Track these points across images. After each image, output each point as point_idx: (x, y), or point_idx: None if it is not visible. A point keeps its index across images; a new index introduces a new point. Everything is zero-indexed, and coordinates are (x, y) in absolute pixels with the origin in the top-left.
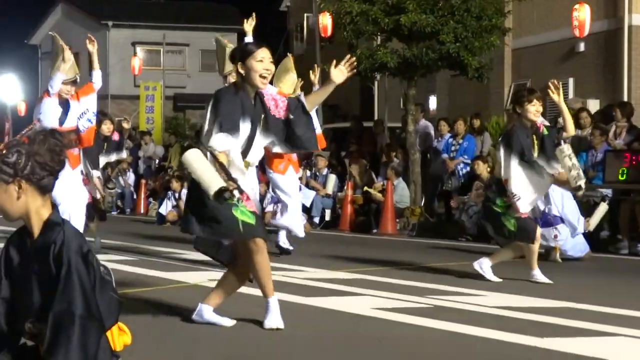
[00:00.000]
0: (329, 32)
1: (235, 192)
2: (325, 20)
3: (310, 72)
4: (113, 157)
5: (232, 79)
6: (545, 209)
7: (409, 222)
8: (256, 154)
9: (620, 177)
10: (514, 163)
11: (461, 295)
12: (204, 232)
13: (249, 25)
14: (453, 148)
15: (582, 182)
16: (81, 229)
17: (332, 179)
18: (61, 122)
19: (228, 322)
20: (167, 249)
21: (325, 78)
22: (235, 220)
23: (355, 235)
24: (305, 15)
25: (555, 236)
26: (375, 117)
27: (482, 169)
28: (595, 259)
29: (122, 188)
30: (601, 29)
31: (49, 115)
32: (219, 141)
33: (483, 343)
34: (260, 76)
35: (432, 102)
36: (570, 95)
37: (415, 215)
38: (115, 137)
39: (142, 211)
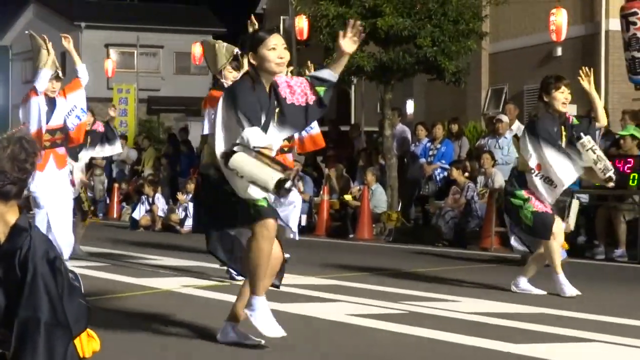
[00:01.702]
0: (305, 35)
1: (293, 177)
2: (302, 23)
3: (287, 74)
4: (106, 151)
5: (227, 72)
6: None
7: (386, 227)
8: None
9: (596, 183)
10: (545, 149)
11: (437, 301)
12: (215, 226)
13: (251, 29)
14: (431, 153)
15: (611, 173)
16: (69, 232)
17: (308, 181)
18: (47, 120)
19: (256, 341)
20: (139, 255)
21: None
22: (246, 204)
23: (331, 241)
24: (281, 18)
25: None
26: (352, 121)
27: (456, 175)
28: (572, 265)
29: (93, 193)
30: (578, 33)
31: (37, 114)
32: (257, 136)
33: (458, 349)
34: (275, 64)
35: (409, 107)
36: None
37: (392, 220)
38: (100, 128)
39: (115, 216)
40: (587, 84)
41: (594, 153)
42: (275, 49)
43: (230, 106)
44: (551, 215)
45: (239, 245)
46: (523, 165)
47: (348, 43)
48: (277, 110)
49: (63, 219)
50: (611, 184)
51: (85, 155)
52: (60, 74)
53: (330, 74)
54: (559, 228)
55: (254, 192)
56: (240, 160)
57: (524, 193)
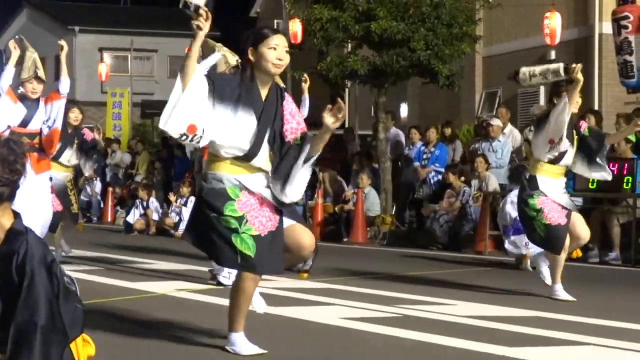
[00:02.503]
0: (299, 39)
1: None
2: (295, 27)
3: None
4: (90, 164)
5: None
6: (516, 217)
7: (380, 230)
8: (263, 160)
9: (590, 186)
10: (555, 121)
11: (431, 304)
12: (203, 249)
13: None
14: (425, 156)
15: (561, 65)
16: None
17: None
18: (27, 123)
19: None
20: (134, 258)
21: (295, 85)
22: (233, 250)
23: (326, 244)
24: (275, 21)
25: (527, 243)
26: (346, 125)
27: (453, 179)
28: (566, 268)
29: (88, 196)
30: (572, 36)
31: (2, 115)
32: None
33: (452, 352)
34: (272, 65)
35: (403, 110)
36: (541, 102)
37: (386, 223)
38: (89, 135)
39: (109, 220)
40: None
41: (536, 76)
42: (276, 49)
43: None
44: (564, 228)
45: None
46: (534, 168)
47: (331, 120)
48: (272, 120)
49: (36, 224)
50: (575, 72)
51: (71, 159)
52: (41, 75)
53: (307, 151)
54: (581, 224)
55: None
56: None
57: (536, 203)
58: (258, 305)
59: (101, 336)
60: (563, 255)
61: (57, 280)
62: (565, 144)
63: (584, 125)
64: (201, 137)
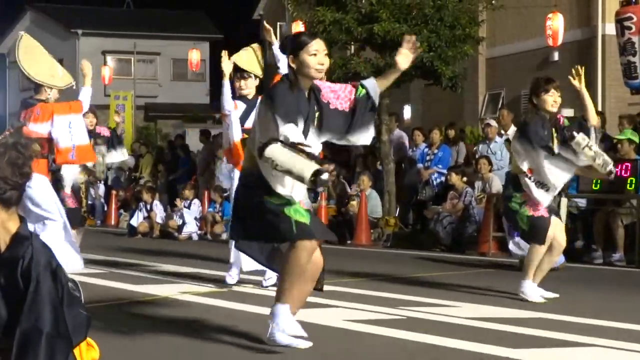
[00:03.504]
0: None
1: (330, 168)
2: (298, 29)
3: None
4: (113, 157)
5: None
6: None
7: (384, 232)
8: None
9: (594, 187)
10: (536, 152)
11: (435, 306)
12: (254, 237)
13: (269, 36)
14: (428, 158)
15: (611, 167)
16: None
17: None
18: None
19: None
20: (137, 262)
21: None
22: (288, 221)
23: (329, 246)
24: (278, 24)
25: None
26: None
27: (456, 180)
28: (570, 269)
29: (92, 199)
30: (575, 38)
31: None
32: (295, 133)
33: (456, 354)
34: (315, 70)
35: (407, 112)
36: None
37: (389, 225)
38: (105, 132)
39: (112, 223)
40: (578, 82)
41: (590, 150)
42: (317, 55)
43: (268, 107)
44: (547, 220)
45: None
46: (516, 168)
47: (404, 59)
48: (317, 114)
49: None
50: (612, 177)
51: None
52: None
53: (374, 86)
54: (560, 229)
55: (289, 188)
56: (277, 150)
57: (520, 196)
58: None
59: (105, 340)
60: (543, 250)
61: (62, 285)
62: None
63: (562, 119)
64: None
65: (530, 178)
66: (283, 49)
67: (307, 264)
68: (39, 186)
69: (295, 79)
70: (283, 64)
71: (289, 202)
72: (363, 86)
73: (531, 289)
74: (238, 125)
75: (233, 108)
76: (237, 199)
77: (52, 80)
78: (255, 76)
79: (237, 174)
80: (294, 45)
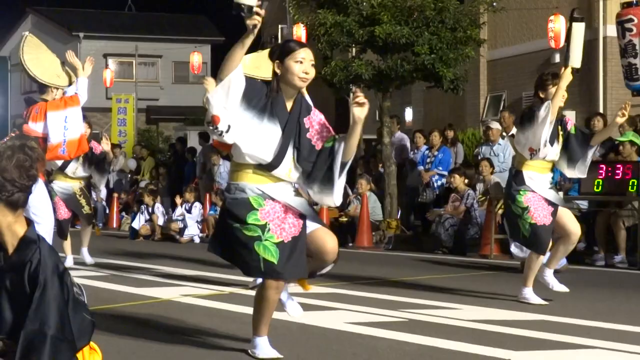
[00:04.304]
0: None
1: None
2: (299, 32)
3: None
4: (103, 179)
5: None
6: None
7: (385, 235)
8: (285, 171)
9: (595, 189)
10: (538, 125)
11: (437, 308)
12: (228, 260)
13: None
14: (428, 160)
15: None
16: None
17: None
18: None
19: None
20: (139, 264)
21: None
22: (257, 259)
23: None
24: (279, 26)
25: None
26: None
27: (459, 182)
28: (572, 271)
29: (94, 202)
30: None
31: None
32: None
33: (458, 357)
34: (299, 78)
35: (408, 114)
36: None
37: (391, 228)
38: (97, 149)
39: (114, 225)
40: (621, 119)
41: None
42: (302, 63)
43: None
44: (549, 229)
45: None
46: (519, 163)
47: (357, 109)
48: (297, 132)
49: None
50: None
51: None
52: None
53: (342, 145)
54: (569, 218)
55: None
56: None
57: (523, 201)
58: (293, 310)
59: (107, 342)
60: (542, 259)
61: (68, 290)
62: (544, 151)
63: (570, 123)
64: (224, 132)
65: (532, 158)
66: (272, 54)
67: (276, 297)
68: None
69: (277, 85)
70: None
71: (260, 235)
72: (335, 139)
73: (531, 294)
74: None
75: None
76: (220, 215)
77: (57, 81)
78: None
79: None
80: (281, 51)
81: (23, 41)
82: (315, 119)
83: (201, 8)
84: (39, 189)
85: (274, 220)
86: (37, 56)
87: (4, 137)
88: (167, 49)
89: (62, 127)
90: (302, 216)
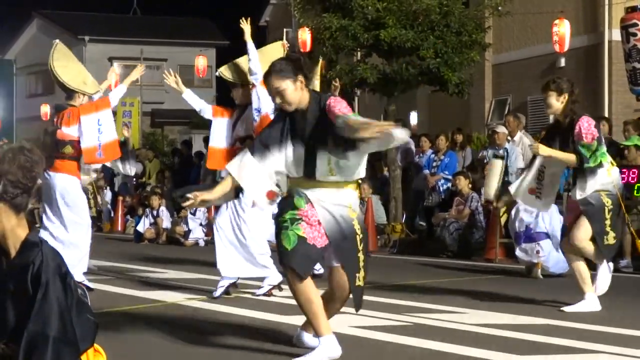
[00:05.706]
0: (308, 48)
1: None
2: (305, 36)
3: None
4: (126, 171)
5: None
6: (528, 224)
7: (390, 238)
8: (325, 173)
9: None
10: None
11: (442, 312)
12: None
13: (247, 33)
14: (434, 164)
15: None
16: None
17: None
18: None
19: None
20: (144, 268)
21: None
22: (280, 242)
23: None
24: (284, 30)
25: (538, 252)
26: None
27: (464, 185)
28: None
29: (99, 206)
30: (581, 44)
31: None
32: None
33: None
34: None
35: (413, 118)
36: None
37: (396, 232)
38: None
39: (119, 229)
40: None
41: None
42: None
43: None
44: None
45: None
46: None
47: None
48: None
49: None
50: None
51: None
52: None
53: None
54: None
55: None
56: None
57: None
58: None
59: (112, 345)
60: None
61: (71, 291)
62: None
63: (585, 137)
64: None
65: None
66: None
67: (307, 288)
68: (71, 187)
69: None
70: (254, 64)
71: (288, 226)
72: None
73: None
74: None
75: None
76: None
77: (84, 87)
78: (242, 84)
79: None
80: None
81: (53, 49)
82: (337, 108)
83: (206, 12)
84: (75, 188)
85: (307, 221)
86: (66, 64)
87: (10, 139)
88: (172, 52)
89: (96, 130)
90: (329, 244)
